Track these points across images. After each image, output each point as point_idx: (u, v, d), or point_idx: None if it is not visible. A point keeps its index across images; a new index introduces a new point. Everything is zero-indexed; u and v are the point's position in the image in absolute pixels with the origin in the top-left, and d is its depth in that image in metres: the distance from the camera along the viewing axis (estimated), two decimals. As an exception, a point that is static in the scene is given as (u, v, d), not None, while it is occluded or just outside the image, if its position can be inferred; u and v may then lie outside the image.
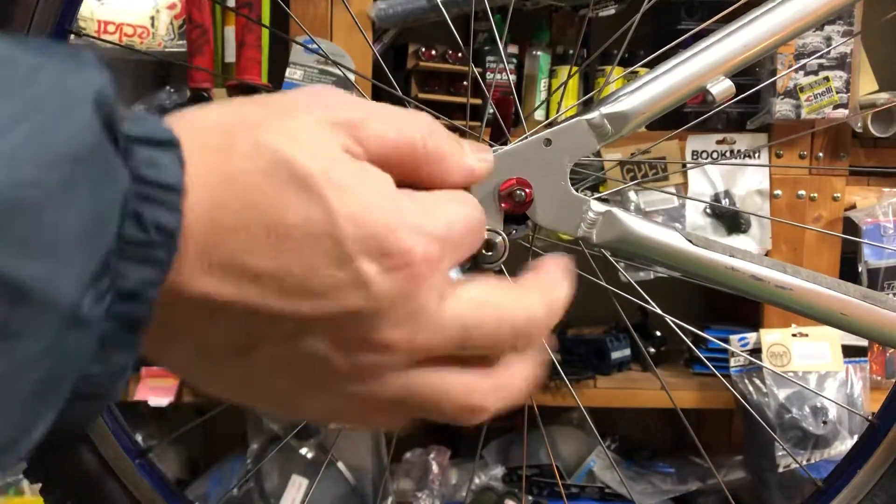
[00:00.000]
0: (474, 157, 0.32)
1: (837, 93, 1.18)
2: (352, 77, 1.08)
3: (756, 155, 1.24)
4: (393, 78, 0.80)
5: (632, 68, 1.23)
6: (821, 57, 1.17)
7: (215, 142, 0.26)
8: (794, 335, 1.20)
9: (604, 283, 0.66)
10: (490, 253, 0.50)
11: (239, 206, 0.25)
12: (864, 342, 1.19)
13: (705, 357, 0.82)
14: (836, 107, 1.18)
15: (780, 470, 1.15)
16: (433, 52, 1.22)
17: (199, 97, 1.14)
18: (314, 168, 0.25)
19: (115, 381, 0.24)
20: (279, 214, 0.25)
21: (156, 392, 1.17)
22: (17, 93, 0.20)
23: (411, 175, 0.30)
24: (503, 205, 0.52)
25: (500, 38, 1.11)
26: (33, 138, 0.20)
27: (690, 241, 0.56)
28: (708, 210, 1.23)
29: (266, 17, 1.18)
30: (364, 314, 0.26)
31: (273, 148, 0.26)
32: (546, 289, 0.32)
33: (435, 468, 1.25)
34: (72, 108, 0.21)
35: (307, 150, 0.26)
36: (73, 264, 0.21)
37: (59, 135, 0.20)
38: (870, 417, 0.70)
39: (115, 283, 0.23)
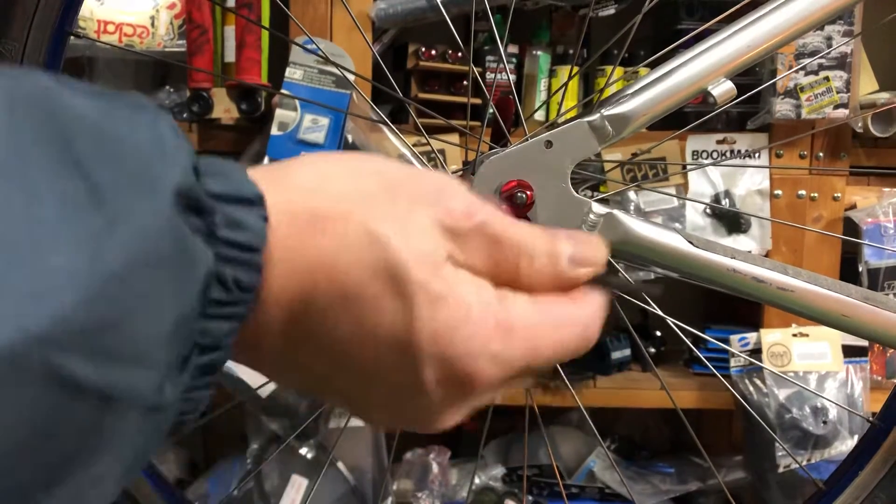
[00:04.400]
0: (576, 270, 0.31)
1: (838, 93, 1.17)
2: (351, 77, 1.08)
3: (756, 155, 1.24)
4: (393, 78, 0.80)
5: (632, 69, 1.23)
6: (821, 57, 1.16)
7: (326, 222, 0.26)
8: (794, 335, 1.20)
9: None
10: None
11: (336, 294, 0.26)
12: (864, 342, 1.19)
13: (705, 357, 0.82)
14: (836, 107, 1.18)
15: (781, 470, 1.15)
16: (433, 52, 1.21)
17: (199, 97, 1.14)
18: (415, 277, 0.27)
19: (192, 414, 0.26)
20: (370, 313, 0.27)
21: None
22: (99, 199, 0.20)
23: (510, 280, 0.30)
24: (504, 207, 0.52)
25: (500, 38, 1.10)
26: (114, 250, 0.20)
27: (691, 243, 0.56)
28: (708, 210, 1.23)
29: (266, 17, 1.18)
30: (418, 403, 0.29)
31: (385, 247, 0.26)
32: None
33: (435, 468, 1.25)
34: (151, 211, 0.21)
35: (414, 257, 0.27)
36: (157, 366, 0.22)
37: (137, 243, 0.21)
38: (870, 418, 0.70)
39: (196, 342, 0.24)
